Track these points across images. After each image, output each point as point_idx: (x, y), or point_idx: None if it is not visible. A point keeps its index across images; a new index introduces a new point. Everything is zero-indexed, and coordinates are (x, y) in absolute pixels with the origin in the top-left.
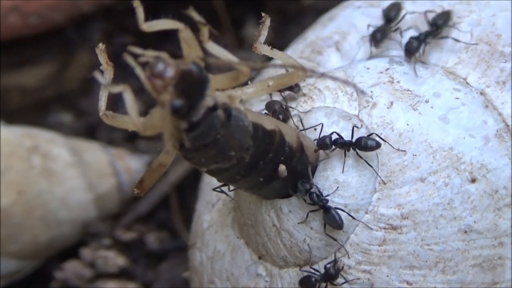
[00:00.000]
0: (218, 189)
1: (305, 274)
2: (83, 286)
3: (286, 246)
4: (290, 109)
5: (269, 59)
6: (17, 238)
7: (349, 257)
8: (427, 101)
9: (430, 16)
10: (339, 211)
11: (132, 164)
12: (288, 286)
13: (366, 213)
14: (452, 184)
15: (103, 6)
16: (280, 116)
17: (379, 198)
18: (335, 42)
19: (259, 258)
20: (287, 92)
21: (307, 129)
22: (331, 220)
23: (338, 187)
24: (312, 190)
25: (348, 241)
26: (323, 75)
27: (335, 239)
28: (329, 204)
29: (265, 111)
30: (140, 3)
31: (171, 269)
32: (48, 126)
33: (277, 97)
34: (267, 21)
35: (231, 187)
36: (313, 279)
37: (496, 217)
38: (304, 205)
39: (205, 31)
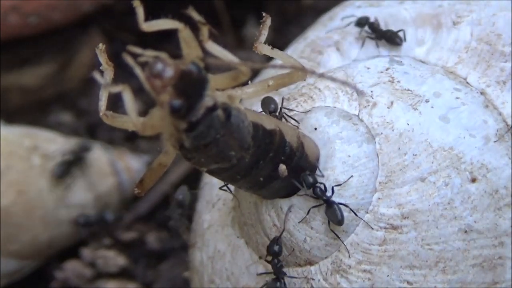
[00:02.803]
0: (223, 188)
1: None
2: (83, 286)
3: (286, 246)
4: (288, 110)
5: (269, 59)
6: (17, 238)
7: (349, 257)
8: (427, 101)
9: None
10: (341, 209)
11: (132, 164)
12: (288, 286)
13: (367, 212)
14: (453, 184)
15: (103, 6)
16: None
17: (379, 198)
18: (335, 42)
19: (260, 257)
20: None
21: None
22: (332, 215)
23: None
24: (317, 184)
25: (348, 240)
26: (322, 76)
27: (338, 236)
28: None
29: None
30: (140, 3)
31: (171, 269)
32: (48, 126)
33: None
34: (268, 21)
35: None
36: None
37: (497, 216)
38: (305, 204)
39: (205, 31)
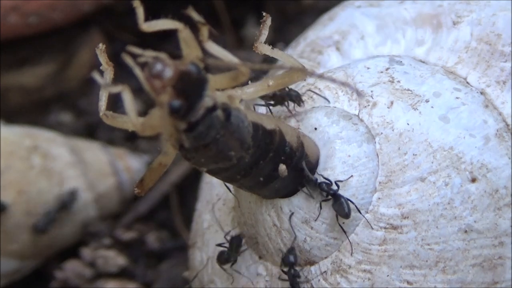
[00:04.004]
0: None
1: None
2: (83, 285)
3: (286, 246)
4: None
5: (269, 59)
6: (17, 238)
7: (351, 255)
8: (427, 101)
9: None
10: (348, 202)
11: (132, 164)
12: (288, 286)
13: (367, 212)
14: (452, 184)
15: (103, 6)
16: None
17: (379, 198)
18: (335, 42)
19: (260, 257)
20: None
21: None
22: (339, 208)
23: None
24: (320, 180)
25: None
26: (321, 76)
27: (344, 231)
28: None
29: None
30: (140, 3)
31: (171, 269)
32: (48, 126)
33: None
34: (268, 21)
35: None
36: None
37: (496, 216)
38: (305, 204)
39: (204, 31)
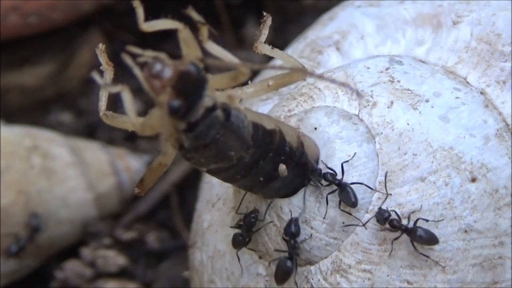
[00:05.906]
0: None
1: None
2: (83, 285)
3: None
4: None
5: (269, 59)
6: (17, 238)
7: (366, 228)
8: (427, 101)
9: None
10: (354, 191)
11: (132, 164)
12: (288, 286)
13: (367, 212)
14: (452, 184)
15: (103, 6)
16: None
17: (379, 198)
18: (335, 42)
19: (260, 257)
20: None
21: None
22: (346, 198)
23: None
24: (324, 171)
25: (348, 240)
26: (321, 76)
27: (354, 215)
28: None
29: None
30: (140, 3)
31: (171, 269)
32: (48, 126)
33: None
34: (268, 20)
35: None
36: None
37: (496, 216)
38: (305, 204)
39: (204, 30)
